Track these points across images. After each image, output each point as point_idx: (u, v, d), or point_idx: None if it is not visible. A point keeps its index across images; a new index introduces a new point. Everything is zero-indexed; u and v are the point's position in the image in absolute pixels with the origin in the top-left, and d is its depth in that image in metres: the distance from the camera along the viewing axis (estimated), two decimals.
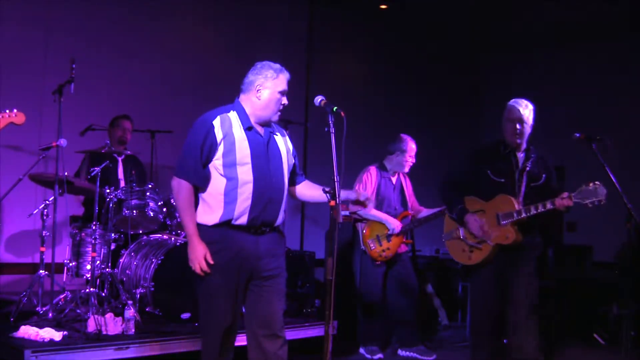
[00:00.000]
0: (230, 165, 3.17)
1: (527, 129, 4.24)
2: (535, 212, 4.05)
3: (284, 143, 3.39)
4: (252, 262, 3.21)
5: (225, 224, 3.17)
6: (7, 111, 4.05)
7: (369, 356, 5.29)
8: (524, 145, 4.28)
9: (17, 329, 4.08)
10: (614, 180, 4.16)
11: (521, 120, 4.21)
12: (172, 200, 5.25)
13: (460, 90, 9.68)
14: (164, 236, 5.13)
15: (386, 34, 8.83)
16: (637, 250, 6.09)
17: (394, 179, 5.47)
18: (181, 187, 3.20)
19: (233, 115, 3.26)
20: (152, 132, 6.26)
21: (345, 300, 5.53)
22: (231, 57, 7.17)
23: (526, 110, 4.23)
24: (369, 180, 5.35)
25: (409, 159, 5.42)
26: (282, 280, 3.34)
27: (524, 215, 4.07)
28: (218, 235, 3.18)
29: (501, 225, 4.13)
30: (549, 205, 4.03)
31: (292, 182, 3.46)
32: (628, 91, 8.37)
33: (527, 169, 4.23)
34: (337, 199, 2.94)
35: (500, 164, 4.25)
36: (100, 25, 6.45)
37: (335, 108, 3.05)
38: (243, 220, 3.17)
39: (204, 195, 3.23)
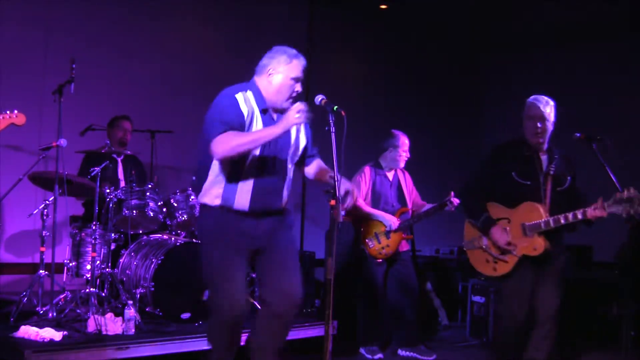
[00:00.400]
0: None
1: (549, 127, 4.05)
2: (564, 222, 3.83)
3: (295, 129, 3.33)
4: (253, 244, 3.24)
5: (227, 208, 3.19)
6: (8, 112, 4.05)
7: (369, 356, 5.28)
8: (545, 145, 4.10)
9: (17, 329, 4.08)
10: (614, 180, 4.16)
11: (542, 118, 4.01)
12: (172, 200, 5.25)
13: (460, 90, 9.68)
14: (164, 236, 5.13)
15: (386, 34, 8.83)
16: (637, 250, 6.09)
17: (390, 176, 5.47)
18: (219, 141, 3.06)
19: (249, 94, 3.22)
20: (152, 132, 6.26)
21: (345, 300, 5.53)
22: (231, 57, 7.16)
23: (547, 107, 4.05)
24: (363, 180, 5.36)
25: (403, 153, 5.41)
26: (289, 248, 3.38)
27: (552, 225, 3.86)
28: (220, 217, 3.20)
29: (528, 236, 3.93)
30: (579, 216, 3.80)
31: (304, 163, 3.45)
32: (628, 91, 8.37)
33: (552, 172, 4.04)
34: (338, 198, 2.93)
35: (524, 166, 4.04)
36: (100, 25, 6.45)
37: (335, 107, 3.05)
38: (244, 206, 3.19)
39: (210, 175, 3.22)
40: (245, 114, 3.16)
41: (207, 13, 7.32)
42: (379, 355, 5.30)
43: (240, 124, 3.14)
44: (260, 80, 3.28)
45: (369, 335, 5.39)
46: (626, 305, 5.40)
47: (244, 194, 3.16)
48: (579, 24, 8.21)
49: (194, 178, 5.50)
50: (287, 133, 3.24)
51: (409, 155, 5.46)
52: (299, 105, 3.07)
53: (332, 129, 3.05)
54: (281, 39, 7.55)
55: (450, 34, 9.11)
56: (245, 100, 3.18)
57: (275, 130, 3.08)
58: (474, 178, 4.22)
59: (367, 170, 5.40)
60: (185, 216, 5.22)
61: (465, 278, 6.81)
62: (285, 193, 3.31)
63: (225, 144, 3.05)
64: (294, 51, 3.30)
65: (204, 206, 3.27)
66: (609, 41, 8.46)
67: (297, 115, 3.05)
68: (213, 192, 3.20)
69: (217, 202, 3.20)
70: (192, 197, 5.27)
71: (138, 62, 6.67)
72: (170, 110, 6.74)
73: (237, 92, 3.20)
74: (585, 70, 8.79)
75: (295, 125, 3.21)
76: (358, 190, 5.33)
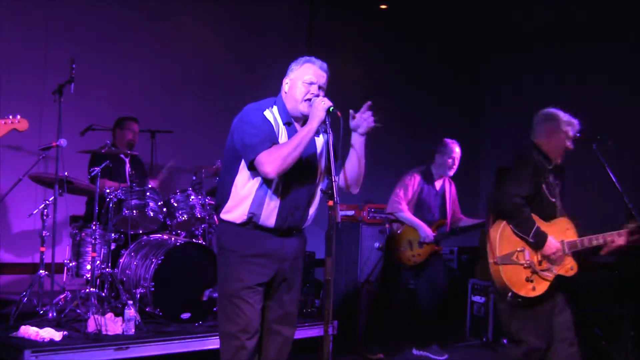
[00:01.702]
0: None
1: None
2: (595, 244, 3.65)
3: (322, 142, 3.27)
4: (277, 264, 3.17)
5: (252, 224, 3.12)
6: (11, 117, 4.04)
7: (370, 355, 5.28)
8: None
9: (17, 329, 4.08)
10: (614, 180, 4.16)
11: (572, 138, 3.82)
12: (172, 200, 5.25)
13: (460, 90, 9.68)
14: (164, 236, 5.13)
15: (386, 34, 8.83)
16: (637, 250, 6.07)
17: (437, 185, 5.49)
18: (267, 159, 2.97)
19: (275, 110, 3.19)
20: (152, 132, 6.27)
21: (347, 300, 5.53)
22: (231, 57, 7.17)
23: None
24: (411, 186, 5.40)
25: (450, 160, 5.43)
26: (299, 285, 3.33)
27: (586, 245, 3.65)
28: (244, 234, 3.12)
29: (566, 254, 3.71)
30: (608, 239, 3.65)
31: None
32: (628, 91, 8.37)
33: (558, 190, 3.86)
34: (336, 199, 2.93)
35: (549, 183, 3.79)
36: (100, 25, 6.45)
37: (331, 108, 3.03)
38: (270, 223, 3.12)
39: (233, 192, 3.13)
40: (275, 129, 3.13)
41: (207, 13, 7.32)
42: (380, 355, 5.30)
43: (276, 139, 3.09)
44: (282, 93, 3.24)
45: (370, 335, 5.40)
46: (626, 305, 5.40)
47: (270, 210, 3.10)
48: (579, 23, 8.21)
49: (193, 177, 5.53)
50: (314, 150, 3.21)
51: (456, 164, 5.46)
52: (319, 97, 3.09)
53: (329, 131, 3.04)
54: (281, 39, 7.67)
55: (450, 34, 9.10)
56: (272, 116, 3.15)
57: (311, 125, 3.03)
58: (521, 187, 3.72)
59: (416, 176, 5.43)
60: (185, 216, 5.22)
61: (465, 278, 6.80)
62: (311, 211, 3.25)
63: (276, 159, 2.97)
64: (307, 57, 3.24)
65: (227, 223, 3.16)
66: (609, 41, 8.45)
67: (323, 102, 3.04)
68: (239, 209, 3.12)
69: (242, 218, 3.11)
70: (192, 197, 5.28)
71: (138, 62, 6.67)
72: (170, 110, 6.74)
73: (265, 109, 3.16)
74: (586, 70, 8.78)
75: (324, 140, 3.22)
76: (404, 192, 5.34)
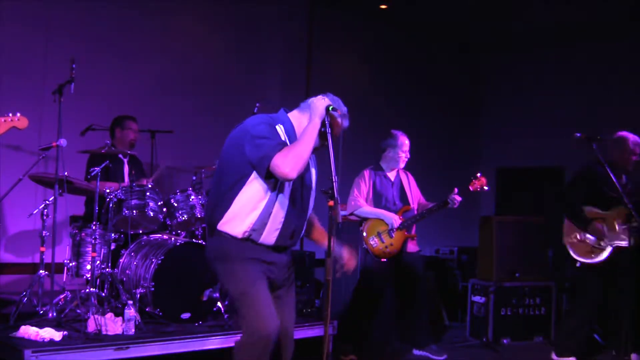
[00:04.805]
0: (272, 185, 3.08)
1: None
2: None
3: (314, 174, 3.31)
4: (275, 274, 3.20)
5: (251, 241, 3.13)
6: (10, 115, 4.04)
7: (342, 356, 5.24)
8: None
9: (17, 329, 4.08)
10: (614, 180, 4.16)
11: None
12: (172, 200, 5.25)
13: (460, 90, 9.68)
14: (164, 236, 5.12)
15: (386, 34, 8.84)
16: (637, 250, 6.06)
17: (391, 176, 5.46)
18: (283, 160, 2.95)
19: (281, 129, 3.14)
20: (152, 132, 6.27)
21: (347, 300, 5.53)
22: (231, 58, 7.17)
23: None
24: (363, 182, 5.36)
25: (402, 154, 5.40)
26: (294, 289, 3.37)
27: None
28: (243, 247, 3.12)
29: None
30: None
31: None
32: (628, 91, 8.37)
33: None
34: (336, 199, 2.92)
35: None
36: (100, 25, 6.46)
37: (331, 107, 3.03)
38: (270, 242, 3.14)
39: (237, 204, 3.09)
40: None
41: (207, 13, 7.32)
42: (352, 356, 5.25)
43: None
44: (299, 116, 3.20)
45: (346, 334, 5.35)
46: (625, 305, 5.39)
47: (272, 231, 3.11)
48: (579, 24, 8.21)
49: (193, 177, 5.52)
50: (310, 179, 3.23)
51: (408, 156, 5.45)
52: (319, 96, 3.12)
53: (328, 130, 3.04)
54: (281, 39, 7.66)
55: (450, 34, 9.11)
56: (282, 133, 3.13)
57: (315, 122, 3.05)
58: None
59: (366, 173, 5.41)
60: (185, 216, 5.22)
61: (465, 278, 6.80)
62: (304, 230, 3.31)
63: (292, 158, 2.95)
64: (344, 109, 3.19)
65: (223, 234, 3.14)
66: (609, 41, 8.46)
67: (323, 100, 3.07)
68: (241, 222, 3.09)
69: (243, 235, 3.11)
70: (192, 197, 5.27)
71: (138, 62, 6.68)
72: (170, 110, 6.74)
73: (275, 124, 3.13)
74: (585, 70, 8.79)
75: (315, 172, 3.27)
76: (359, 192, 5.33)
